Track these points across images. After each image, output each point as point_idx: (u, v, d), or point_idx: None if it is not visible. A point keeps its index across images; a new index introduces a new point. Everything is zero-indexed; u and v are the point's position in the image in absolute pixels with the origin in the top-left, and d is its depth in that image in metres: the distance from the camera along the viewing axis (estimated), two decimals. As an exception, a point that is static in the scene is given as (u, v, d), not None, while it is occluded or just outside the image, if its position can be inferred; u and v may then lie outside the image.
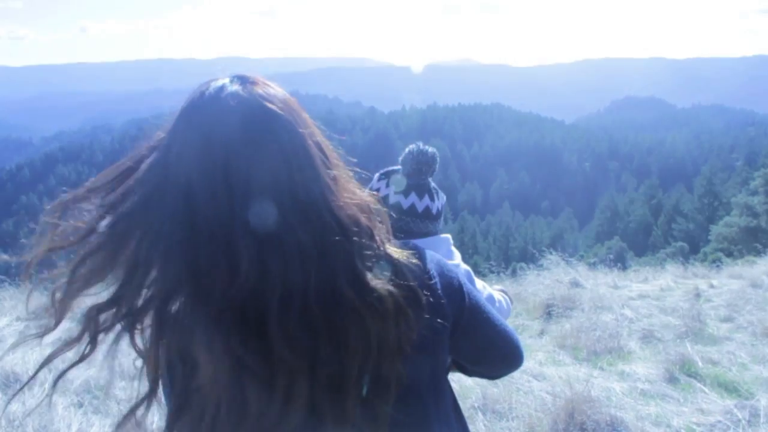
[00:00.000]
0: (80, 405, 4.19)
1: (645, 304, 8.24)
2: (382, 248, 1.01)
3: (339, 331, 0.93)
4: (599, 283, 9.70)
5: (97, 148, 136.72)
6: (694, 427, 3.67)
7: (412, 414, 1.06)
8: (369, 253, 0.98)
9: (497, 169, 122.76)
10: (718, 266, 13.56)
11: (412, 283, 1.01)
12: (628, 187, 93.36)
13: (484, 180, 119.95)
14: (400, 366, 0.98)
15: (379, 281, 0.96)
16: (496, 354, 1.30)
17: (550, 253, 10.92)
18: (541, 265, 10.60)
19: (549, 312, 7.18)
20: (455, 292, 1.13)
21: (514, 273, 12.93)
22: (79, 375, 4.63)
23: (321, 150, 1.01)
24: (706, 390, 4.33)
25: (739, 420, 3.70)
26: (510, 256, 50.52)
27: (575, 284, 8.92)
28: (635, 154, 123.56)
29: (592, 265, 11.91)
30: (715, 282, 10.23)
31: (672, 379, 4.59)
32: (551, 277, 9.44)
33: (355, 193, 1.02)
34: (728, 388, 4.47)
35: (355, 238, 0.96)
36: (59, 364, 1.04)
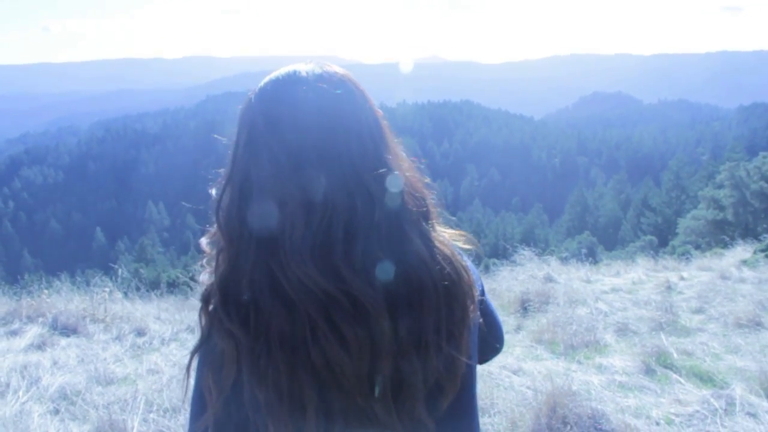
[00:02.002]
0: (56, 412, 4.13)
1: (618, 298, 8.34)
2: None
3: (413, 285, 0.97)
4: (572, 278, 9.79)
5: (63, 150, 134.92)
6: (673, 417, 3.71)
7: (464, 398, 1.08)
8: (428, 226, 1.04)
9: (467, 166, 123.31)
10: (687, 259, 13.75)
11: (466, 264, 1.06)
12: (597, 182, 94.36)
13: (454, 177, 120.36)
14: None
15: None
16: (494, 336, 1.33)
17: (523, 249, 11.01)
18: (514, 261, 10.68)
19: (525, 307, 7.23)
20: (478, 276, 1.17)
21: (487, 269, 13.02)
22: (54, 381, 4.58)
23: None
24: (683, 381, 4.39)
25: (716, 409, 3.76)
26: (481, 253, 50.71)
27: (549, 279, 9.00)
28: (603, 149, 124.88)
29: (565, 260, 12.01)
30: (685, 274, 10.38)
31: (649, 371, 4.65)
32: (525, 273, 9.52)
33: (413, 169, 1.07)
34: (703, 378, 4.53)
35: (423, 209, 1.04)
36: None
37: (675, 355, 4.94)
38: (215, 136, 1.12)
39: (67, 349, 5.70)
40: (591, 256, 15.05)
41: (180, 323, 6.63)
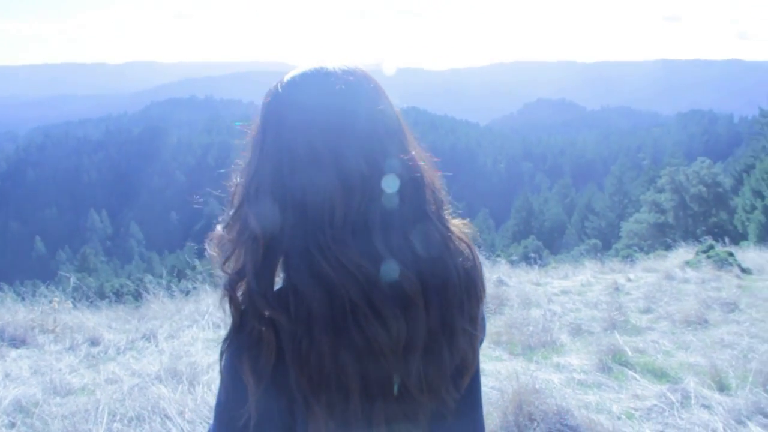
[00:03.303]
0: (12, 425, 4.03)
1: (569, 300, 8.52)
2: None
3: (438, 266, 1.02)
4: (523, 281, 9.96)
5: (0, 157, 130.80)
6: (633, 411, 3.84)
7: (472, 393, 1.14)
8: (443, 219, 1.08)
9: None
10: (631, 261, 14.08)
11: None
12: (542, 187, 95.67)
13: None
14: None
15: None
16: (482, 326, 1.38)
17: (473, 253, 11.12)
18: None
19: (480, 310, 7.31)
20: None
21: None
22: (7, 394, 4.47)
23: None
24: (638, 377, 4.53)
25: (673, 403, 3.91)
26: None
27: (501, 282, 9.13)
28: (548, 154, 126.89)
29: (514, 264, 12.20)
30: (632, 276, 10.65)
31: (605, 369, 4.78)
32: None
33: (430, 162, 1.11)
34: (657, 374, 4.69)
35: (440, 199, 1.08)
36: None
37: (629, 352, 5.10)
38: (237, 124, 1.14)
39: (18, 360, 5.56)
40: (538, 260, 15.31)
41: (135, 332, 6.52)
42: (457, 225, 1.11)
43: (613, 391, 4.30)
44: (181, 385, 4.22)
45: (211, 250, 1.09)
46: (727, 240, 15.52)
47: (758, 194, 30.03)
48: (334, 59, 1.09)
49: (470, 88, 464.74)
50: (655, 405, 3.93)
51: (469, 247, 1.09)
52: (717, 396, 4.04)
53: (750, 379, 4.22)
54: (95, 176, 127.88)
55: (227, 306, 1.01)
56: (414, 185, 1.03)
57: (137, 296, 9.70)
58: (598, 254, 19.27)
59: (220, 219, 1.10)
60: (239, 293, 1.00)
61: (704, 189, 37.02)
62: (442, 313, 1.00)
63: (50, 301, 7.26)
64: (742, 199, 32.39)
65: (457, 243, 1.07)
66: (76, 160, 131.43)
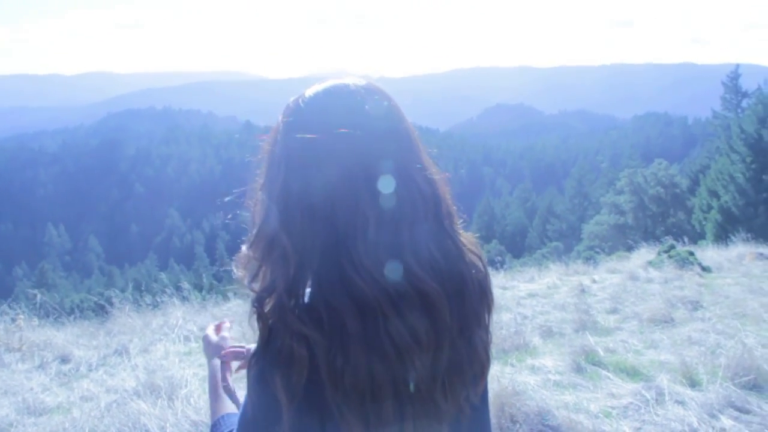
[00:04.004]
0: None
1: (537, 302, 8.62)
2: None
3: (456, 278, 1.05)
4: (490, 285, 10.01)
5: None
6: (610, 410, 3.92)
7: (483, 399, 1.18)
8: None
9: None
10: (594, 263, 14.26)
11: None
12: (503, 192, 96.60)
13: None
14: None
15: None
16: None
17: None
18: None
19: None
20: None
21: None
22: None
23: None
24: (611, 376, 4.62)
25: (648, 400, 4.01)
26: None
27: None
28: (508, 159, 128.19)
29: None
30: (596, 277, 10.79)
31: (579, 369, 4.86)
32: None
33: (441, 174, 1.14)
34: (630, 372, 4.78)
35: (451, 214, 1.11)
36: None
37: (601, 353, 5.19)
38: (258, 137, 1.14)
39: (-15, 381, 5.44)
40: (502, 264, 15.44)
41: (106, 347, 6.44)
42: (467, 237, 1.14)
43: (589, 391, 4.38)
44: (160, 400, 4.18)
45: (237, 271, 1.10)
46: (686, 239, 15.80)
47: (714, 194, 30.62)
48: (350, 76, 1.12)
49: (430, 94, 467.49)
50: (631, 403, 4.02)
51: (480, 259, 1.12)
52: (689, 392, 4.15)
53: (720, 374, 4.35)
54: (52, 190, 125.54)
55: (256, 323, 1.02)
56: (435, 200, 1.06)
57: (99, 311, 9.54)
58: (562, 257, 19.49)
59: (244, 239, 1.10)
60: (267, 309, 1.01)
61: (662, 190, 37.69)
62: (461, 321, 1.04)
63: (13, 319, 7.11)
64: (699, 199, 32.99)
65: (470, 255, 1.10)
66: (31, 173, 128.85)
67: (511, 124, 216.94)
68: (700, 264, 10.87)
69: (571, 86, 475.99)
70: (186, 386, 4.46)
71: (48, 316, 8.05)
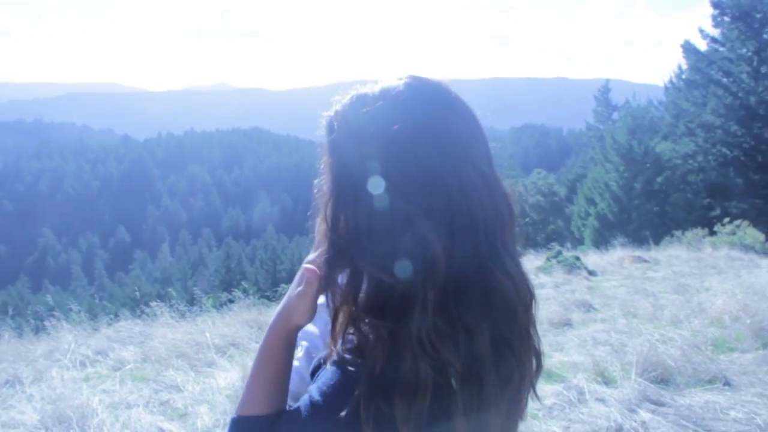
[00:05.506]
0: None
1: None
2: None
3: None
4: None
5: None
6: (536, 412, 3.99)
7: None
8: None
9: (259, 193, 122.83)
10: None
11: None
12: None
13: (246, 204, 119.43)
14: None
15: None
16: None
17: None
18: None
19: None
20: None
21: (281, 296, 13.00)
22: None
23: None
24: (528, 379, 4.72)
25: (570, 399, 4.15)
26: (278, 279, 50.71)
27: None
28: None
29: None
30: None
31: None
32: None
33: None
34: (544, 374, 4.88)
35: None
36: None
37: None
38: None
39: None
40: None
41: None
42: None
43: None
44: (72, 431, 3.90)
45: (335, 303, 0.99)
46: (568, 245, 16.49)
47: (591, 201, 32.21)
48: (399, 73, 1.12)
49: (312, 107, 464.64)
50: (555, 403, 4.13)
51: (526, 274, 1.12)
52: (606, 390, 4.32)
53: (633, 371, 4.53)
54: None
55: (379, 349, 0.92)
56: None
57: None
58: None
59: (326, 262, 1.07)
60: (388, 333, 0.92)
61: (542, 198, 39.25)
62: (523, 329, 1.04)
63: None
64: (577, 207, 34.62)
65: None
66: None
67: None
68: (586, 268, 11.36)
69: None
70: (96, 415, 4.18)
71: None
